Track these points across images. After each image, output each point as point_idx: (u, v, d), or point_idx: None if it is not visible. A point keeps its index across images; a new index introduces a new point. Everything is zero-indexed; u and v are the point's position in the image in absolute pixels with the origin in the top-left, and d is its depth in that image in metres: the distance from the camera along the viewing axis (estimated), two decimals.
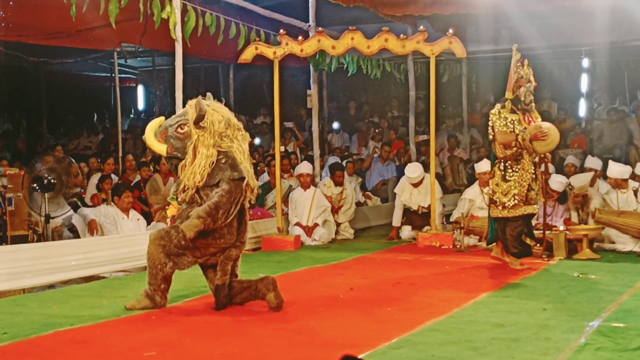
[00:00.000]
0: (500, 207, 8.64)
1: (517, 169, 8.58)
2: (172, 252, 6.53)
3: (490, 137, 8.77)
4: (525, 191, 8.57)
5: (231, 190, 6.42)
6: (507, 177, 8.59)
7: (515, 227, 8.65)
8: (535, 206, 8.76)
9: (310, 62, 12.94)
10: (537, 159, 8.70)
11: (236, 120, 6.79)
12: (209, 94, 6.84)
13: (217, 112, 6.62)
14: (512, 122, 8.51)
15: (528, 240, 8.72)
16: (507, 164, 8.60)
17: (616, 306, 6.61)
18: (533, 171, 8.64)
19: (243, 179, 6.52)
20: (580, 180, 10.53)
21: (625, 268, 8.68)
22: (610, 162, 10.56)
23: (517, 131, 8.45)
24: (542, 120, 8.88)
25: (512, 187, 8.56)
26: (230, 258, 6.61)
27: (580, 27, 14.23)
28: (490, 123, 8.69)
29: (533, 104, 8.77)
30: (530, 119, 8.63)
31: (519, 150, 8.50)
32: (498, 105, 8.73)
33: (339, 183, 12.08)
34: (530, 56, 9.27)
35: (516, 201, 8.55)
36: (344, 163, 14.82)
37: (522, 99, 8.58)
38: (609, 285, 7.64)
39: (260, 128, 18.09)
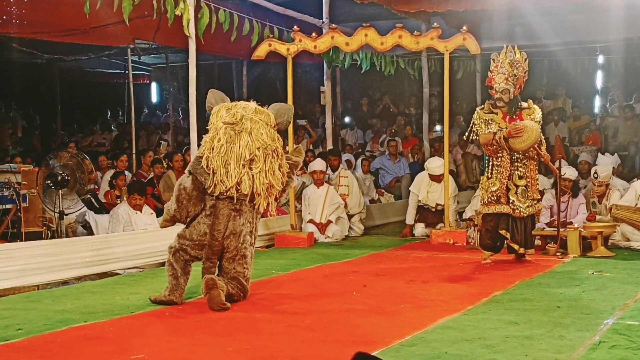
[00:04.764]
0: (482, 204, 8.95)
1: (496, 165, 8.83)
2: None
3: (468, 135, 9.10)
4: (504, 189, 8.75)
5: (179, 182, 6.77)
6: (488, 175, 8.89)
7: (487, 221, 8.91)
8: (507, 206, 8.81)
9: (324, 59, 12.93)
10: (516, 155, 8.79)
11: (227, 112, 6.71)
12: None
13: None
14: (485, 121, 8.82)
15: (516, 247, 8.87)
16: (490, 162, 8.91)
17: (631, 304, 6.57)
18: (510, 168, 8.79)
19: (189, 172, 6.67)
20: (605, 169, 10.61)
21: None
22: None
23: (494, 129, 8.73)
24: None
25: (491, 185, 8.82)
26: (205, 256, 6.71)
27: (595, 24, 14.17)
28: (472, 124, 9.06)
29: (524, 103, 8.93)
30: (519, 118, 8.80)
31: (497, 148, 8.73)
32: (478, 108, 9.12)
33: (333, 168, 12.35)
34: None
35: (491, 199, 8.79)
36: (358, 161, 14.83)
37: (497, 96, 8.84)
38: (623, 283, 7.60)
39: None
